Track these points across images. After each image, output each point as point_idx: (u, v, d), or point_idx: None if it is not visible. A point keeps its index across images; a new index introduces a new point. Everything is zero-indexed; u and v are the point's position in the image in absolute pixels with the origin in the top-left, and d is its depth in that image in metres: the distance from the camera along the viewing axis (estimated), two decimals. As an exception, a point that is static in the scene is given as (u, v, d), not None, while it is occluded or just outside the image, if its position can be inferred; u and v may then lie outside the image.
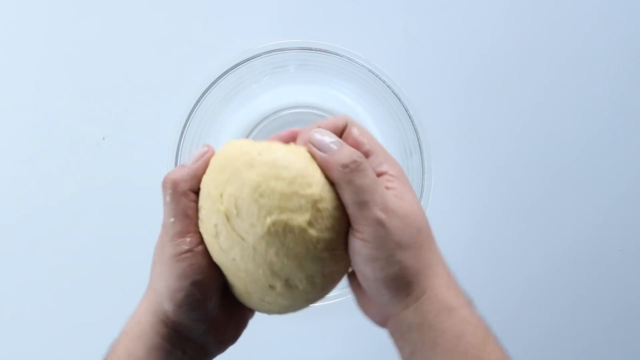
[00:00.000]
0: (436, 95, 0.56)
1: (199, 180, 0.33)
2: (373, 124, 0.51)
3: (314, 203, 0.30)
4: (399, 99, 0.49)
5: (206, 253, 0.32)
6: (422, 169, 0.49)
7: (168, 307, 0.32)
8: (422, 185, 0.49)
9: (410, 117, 0.49)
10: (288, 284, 0.31)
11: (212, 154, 0.33)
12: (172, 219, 0.32)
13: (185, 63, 0.57)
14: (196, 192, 0.33)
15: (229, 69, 0.50)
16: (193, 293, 0.31)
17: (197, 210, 0.33)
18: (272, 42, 0.50)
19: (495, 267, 0.57)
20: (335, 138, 0.31)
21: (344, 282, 0.36)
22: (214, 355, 0.35)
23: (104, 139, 0.59)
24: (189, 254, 0.32)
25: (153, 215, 0.57)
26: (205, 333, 0.33)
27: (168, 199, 0.33)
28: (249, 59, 0.50)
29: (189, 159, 0.34)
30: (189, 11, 0.57)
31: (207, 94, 0.50)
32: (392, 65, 0.56)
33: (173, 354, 0.33)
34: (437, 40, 0.56)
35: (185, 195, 0.33)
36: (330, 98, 0.49)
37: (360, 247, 0.30)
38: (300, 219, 0.30)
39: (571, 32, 0.56)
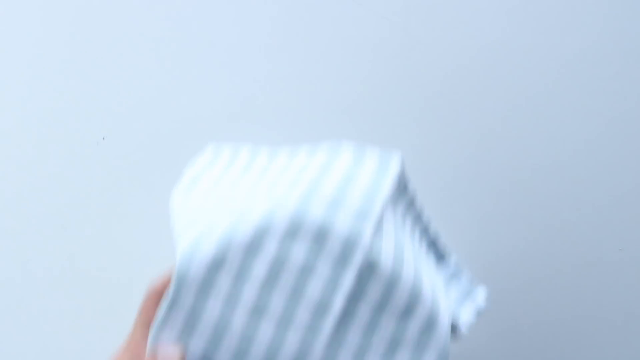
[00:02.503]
0: (437, 95, 0.56)
1: None
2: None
3: None
4: None
5: None
6: None
7: None
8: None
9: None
10: None
11: None
12: None
13: (186, 63, 0.57)
14: None
15: (229, 69, 0.50)
16: None
17: None
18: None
19: (494, 267, 0.57)
20: None
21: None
22: None
23: (104, 139, 0.59)
24: None
25: (153, 215, 0.57)
26: None
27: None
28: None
29: None
30: (191, 11, 0.57)
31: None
32: (392, 65, 0.56)
33: None
34: (438, 41, 0.56)
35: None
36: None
37: None
38: None
39: (572, 32, 0.56)
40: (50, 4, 0.59)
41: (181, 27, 0.57)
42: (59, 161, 0.59)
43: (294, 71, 0.56)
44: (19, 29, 0.59)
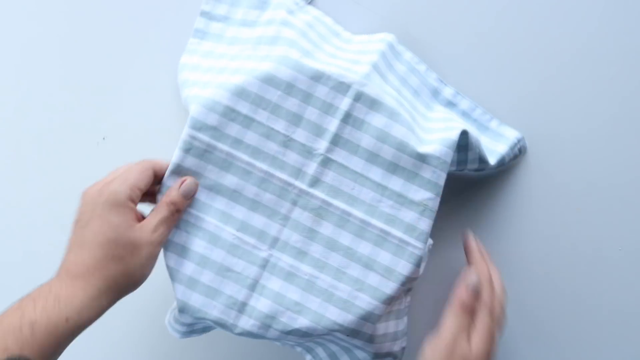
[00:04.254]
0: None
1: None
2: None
3: None
4: None
5: None
6: None
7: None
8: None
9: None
10: None
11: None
12: None
13: (185, 63, 0.57)
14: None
15: (228, 69, 0.50)
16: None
17: None
18: (271, 42, 0.50)
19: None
20: None
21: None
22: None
23: (104, 139, 0.59)
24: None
25: (153, 215, 0.57)
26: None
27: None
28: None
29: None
30: (192, 11, 0.57)
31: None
32: (391, 65, 0.55)
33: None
34: (438, 42, 0.56)
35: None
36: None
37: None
38: None
39: (570, 30, 0.56)
40: (51, 4, 0.59)
41: (181, 27, 0.57)
42: (59, 161, 0.59)
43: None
44: (19, 29, 0.59)
